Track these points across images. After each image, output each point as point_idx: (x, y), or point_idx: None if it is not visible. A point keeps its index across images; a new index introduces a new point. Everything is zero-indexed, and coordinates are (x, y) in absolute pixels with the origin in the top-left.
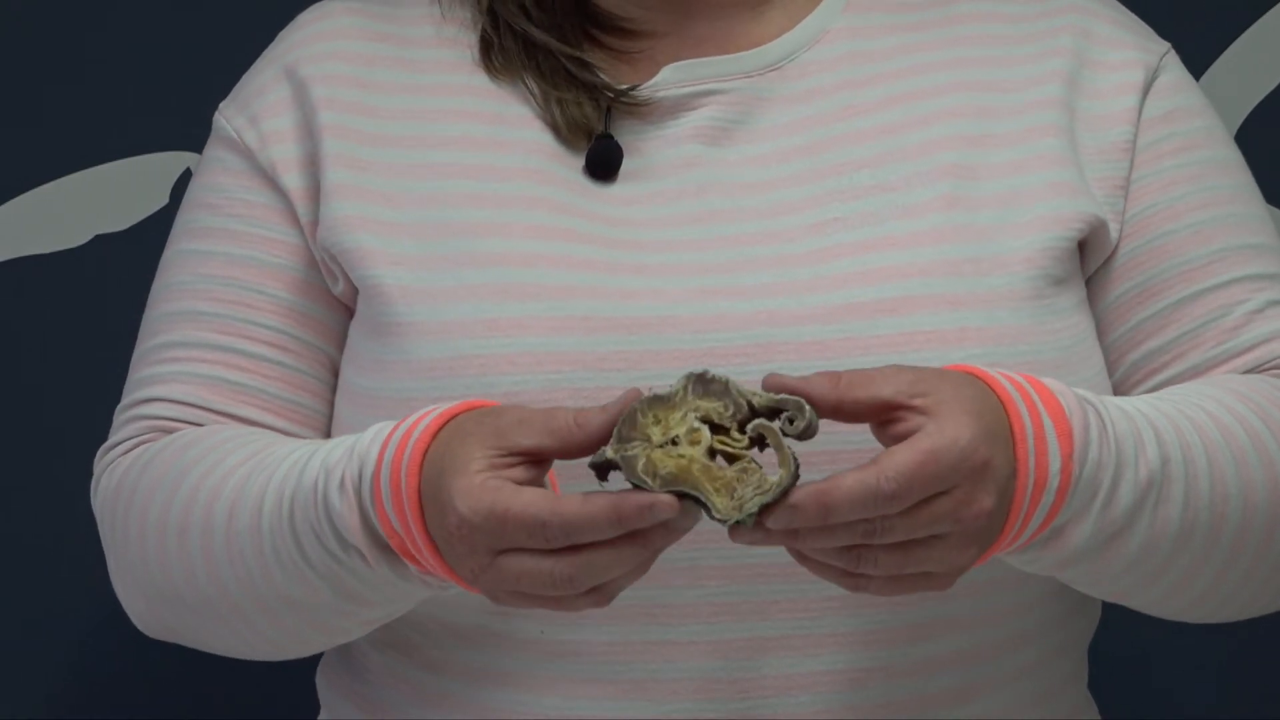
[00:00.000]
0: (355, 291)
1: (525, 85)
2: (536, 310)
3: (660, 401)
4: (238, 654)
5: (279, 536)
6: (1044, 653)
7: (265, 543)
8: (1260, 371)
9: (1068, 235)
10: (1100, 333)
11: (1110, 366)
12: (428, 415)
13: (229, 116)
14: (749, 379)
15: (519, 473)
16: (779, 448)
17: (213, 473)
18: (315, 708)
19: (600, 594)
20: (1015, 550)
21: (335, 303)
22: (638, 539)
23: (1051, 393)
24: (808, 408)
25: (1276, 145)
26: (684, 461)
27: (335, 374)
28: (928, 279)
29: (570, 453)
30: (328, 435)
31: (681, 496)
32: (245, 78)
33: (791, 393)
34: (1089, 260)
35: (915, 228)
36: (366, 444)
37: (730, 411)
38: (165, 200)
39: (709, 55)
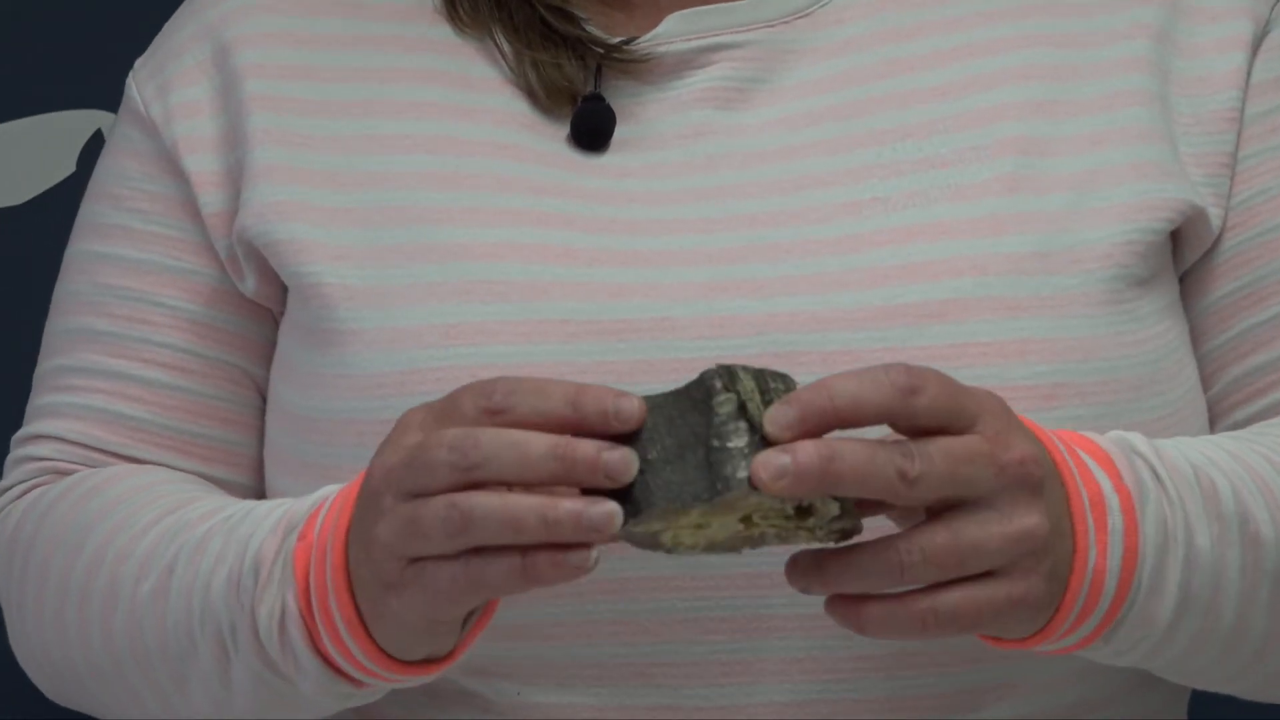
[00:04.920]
0: (277, 291)
1: (495, 42)
2: (504, 313)
3: None
4: None
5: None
6: None
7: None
8: None
9: (1155, 226)
10: (1196, 339)
11: (1206, 380)
12: None
13: (140, 82)
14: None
15: None
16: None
17: (118, 536)
18: None
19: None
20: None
21: (251, 307)
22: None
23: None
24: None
25: None
26: (722, 532)
27: (257, 391)
28: (985, 277)
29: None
30: (251, 465)
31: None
32: (165, 29)
33: None
34: (1184, 253)
35: (971, 213)
36: (305, 510)
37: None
38: (72, 168)
39: None
